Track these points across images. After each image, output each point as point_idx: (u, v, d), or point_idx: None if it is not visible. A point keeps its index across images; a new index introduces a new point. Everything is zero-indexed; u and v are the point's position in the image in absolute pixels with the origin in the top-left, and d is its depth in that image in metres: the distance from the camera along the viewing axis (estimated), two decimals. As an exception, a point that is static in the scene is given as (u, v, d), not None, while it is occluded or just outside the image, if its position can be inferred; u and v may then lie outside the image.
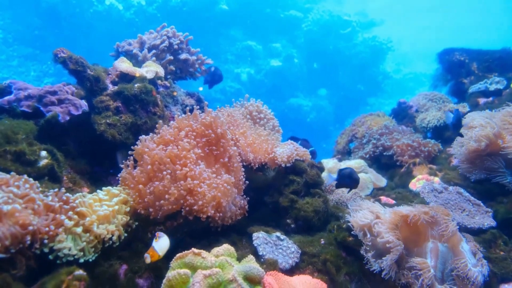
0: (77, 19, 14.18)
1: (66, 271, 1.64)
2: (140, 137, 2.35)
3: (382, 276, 1.94)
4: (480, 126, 2.88)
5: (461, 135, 3.04)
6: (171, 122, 2.58)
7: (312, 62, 16.83)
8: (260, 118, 3.06)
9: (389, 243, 1.94)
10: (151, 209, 2.09)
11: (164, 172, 2.12)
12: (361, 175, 3.59)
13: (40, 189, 1.87)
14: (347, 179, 2.66)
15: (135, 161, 2.33)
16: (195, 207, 2.07)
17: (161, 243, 1.80)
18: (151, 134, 2.43)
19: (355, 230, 2.19)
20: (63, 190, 1.94)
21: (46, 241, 1.70)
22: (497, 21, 23.67)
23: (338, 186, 2.78)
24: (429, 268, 1.89)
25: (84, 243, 1.79)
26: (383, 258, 1.97)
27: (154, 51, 3.41)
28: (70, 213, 1.83)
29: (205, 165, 2.33)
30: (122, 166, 2.33)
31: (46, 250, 1.70)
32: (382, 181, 3.61)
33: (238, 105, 3.14)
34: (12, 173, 1.82)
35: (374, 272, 2.00)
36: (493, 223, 2.53)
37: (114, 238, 1.91)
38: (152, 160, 2.17)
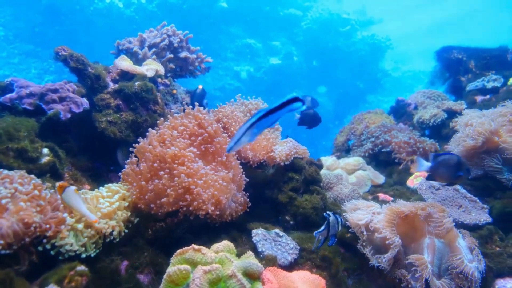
0: (78, 16, 14.18)
1: (69, 267, 1.66)
2: (150, 130, 2.37)
3: (378, 269, 1.97)
4: (477, 123, 2.90)
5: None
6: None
7: (311, 59, 16.83)
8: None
9: (387, 240, 1.97)
10: (152, 205, 2.12)
11: (162, 172, 2.14)
12: (359, 173, 3.62)
13: (44, 185, 1.89)
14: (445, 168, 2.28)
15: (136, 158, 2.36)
16: (190, 208, 2.09)
17: (76, 198, 1.78)
18: (154, 131, 2.45)
19: (353, 228, 2.22)
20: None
21: (45, 240, 1.72)
22: (496, 19, 23.65)
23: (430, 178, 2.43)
24: (426, 264, 1.92)
25: (86, 239, 1.82)
26: (382, 254, 2.00)
27: (154, 49, 3.44)
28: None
29: (203, 163, 2.35)
30: (125, 163, 2.35)
31: (48, 246, 1.72)
32: (380, 178, 3.64)
33: (239, 103, 3.16)
34: (21, 171, 1.84)
35: (372, 267, 2.03)
36: (489, 219, 2.57)
37: (115, 233, 1.93)
38: (153, 157, 2.20)
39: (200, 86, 3.50)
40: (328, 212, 2.04)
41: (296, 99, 1.43)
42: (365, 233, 2.12)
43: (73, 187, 1.79)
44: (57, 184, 1.80)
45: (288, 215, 2.60)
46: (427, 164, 2.38)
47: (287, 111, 1.45)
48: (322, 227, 2.00)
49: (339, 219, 2.05)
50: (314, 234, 2.02)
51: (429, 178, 2.43)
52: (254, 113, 1.45)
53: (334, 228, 2.02)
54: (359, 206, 2.33)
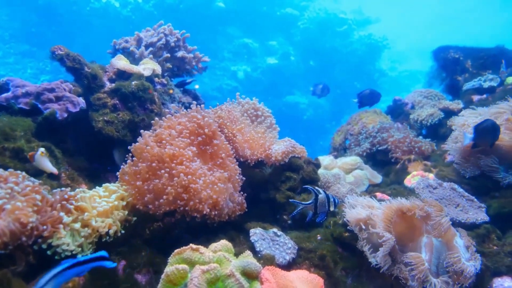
0: (74, 16, 14.16)
1: (66, 267, 1.65)
2: (142, 132, 2.34)
3: (377, 268, 1.97)
4: (473, 123, 2.91)
5: None
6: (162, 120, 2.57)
7: (308, 59, 16.85)
8: (257, 115, 3.07)
9: (381, 238, 1.97)
10: (150, 206, 2.11)
11: (162, 171, 2.13)
12: (357, 172, 3.62)
13: (41, 185, 1.88)
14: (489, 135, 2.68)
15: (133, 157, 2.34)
16: (187, 208, 2.09)
17: (43, 159, 2.11)
18: (148, 132, 2.44)
19: (351, 225, 2.21)
20: (68, 189, 1.96)
21: (40, 240, 1.71)
22: (492, 18, 23.76)
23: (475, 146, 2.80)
24: (423, 262, 1.92)
25: (83, 238, 1.81)
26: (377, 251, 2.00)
27: (151, 48, 3.43)
28: (72, 208, 1.85)
29: (201, 163, 2.34)
30: (122, 163, 2.34)
31: (44, 246, 1.71)
32: (378, 178, 3.64)
33: (235, 102, 3.15)
34: (11, 170, 1.83)
35: (370, 266, 2.03)
36: (486, 218, 2.57)
37: (111, 232, 1.92)
38: (151, 157, 2.18)
39: (197, 86, 3.50)
40: (317, 188, 2.05)
41: (106, 258, 1.53)
42: (364, 229, 2.12)
43: (39, 151, 2.08)
44: (28, 154, 2.11)
45: (286, 214, 2.60)
46: (470, 136, 2.79)
47: (94, 265, 1.52)
48: (309, 201, 2.02)
49: (333, 200, 2.05)
50: (290, 201, 2.05)
51: (474, 146, 2.83)
52: (61, 263, 1.47)
53: (323, 207, 2.03)
54: (359, 202, 2.32)
